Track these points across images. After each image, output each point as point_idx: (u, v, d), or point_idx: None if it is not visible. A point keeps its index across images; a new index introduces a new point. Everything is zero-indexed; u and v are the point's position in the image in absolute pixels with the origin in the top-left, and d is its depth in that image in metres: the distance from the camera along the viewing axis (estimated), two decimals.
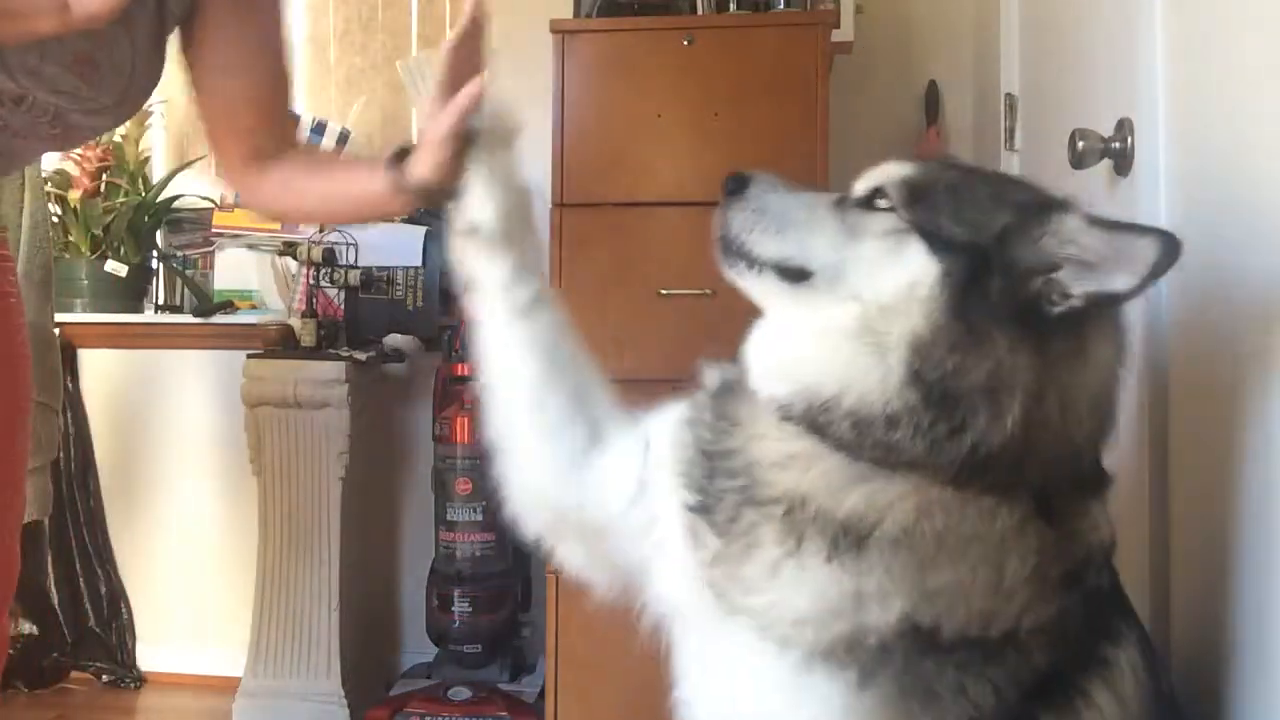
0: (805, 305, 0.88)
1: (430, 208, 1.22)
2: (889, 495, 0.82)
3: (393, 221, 2.91)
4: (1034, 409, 0.80)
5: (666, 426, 0.97)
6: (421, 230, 2.78)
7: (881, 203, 0.88)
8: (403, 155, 1.15)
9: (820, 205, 0.92)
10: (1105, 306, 0.83)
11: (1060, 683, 0.85)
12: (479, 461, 2.42)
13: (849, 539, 0.82)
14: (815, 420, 0.84)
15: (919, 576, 0.81)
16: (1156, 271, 0.80)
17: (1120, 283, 0.80)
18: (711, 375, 0.97)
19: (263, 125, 1.34)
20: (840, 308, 0.85)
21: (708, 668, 0.92)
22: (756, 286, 0.92)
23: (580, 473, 1.02)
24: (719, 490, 0.89)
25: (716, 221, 0.94)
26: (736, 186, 0.93)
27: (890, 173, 0.90)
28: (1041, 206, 0.84)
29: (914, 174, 0.89)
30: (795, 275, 0.89)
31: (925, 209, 0.85)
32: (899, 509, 0.82)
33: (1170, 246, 0.80)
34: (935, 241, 0.84)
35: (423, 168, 1.10)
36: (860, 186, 0.92)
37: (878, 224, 0.87)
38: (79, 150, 2.88)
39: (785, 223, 0.91)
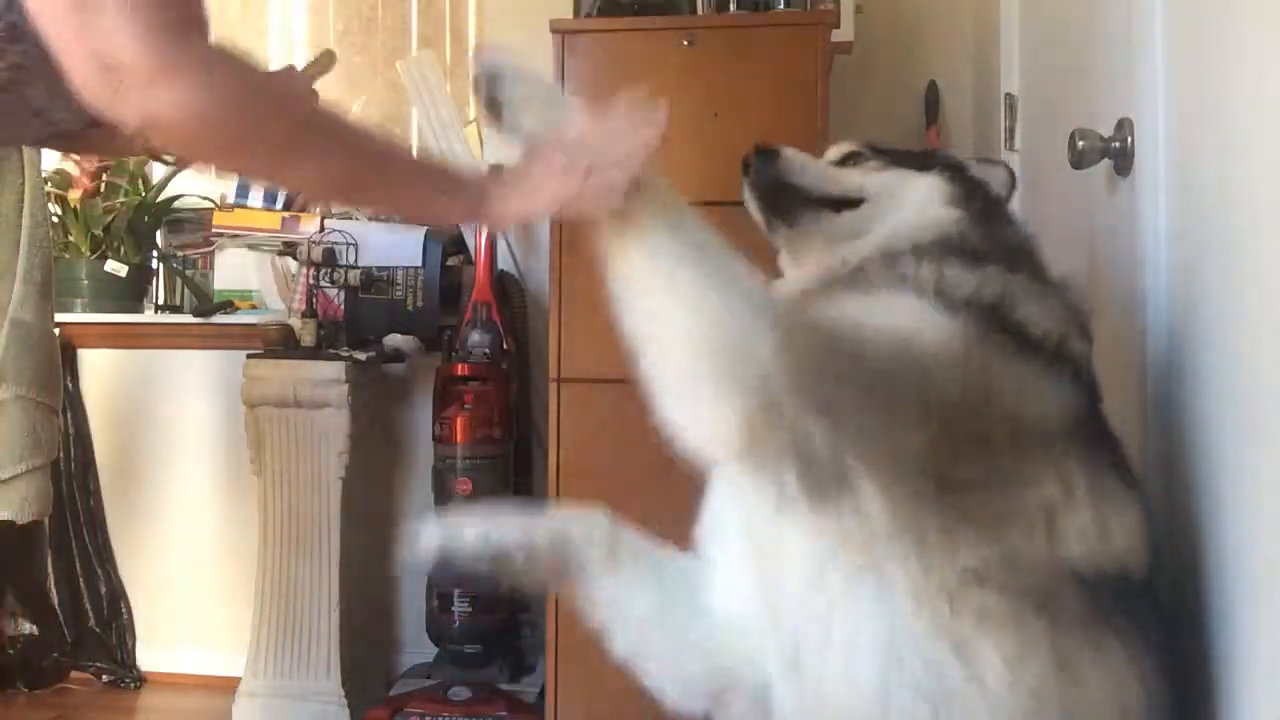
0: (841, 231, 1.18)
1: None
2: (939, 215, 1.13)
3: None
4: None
5: None
6: (422, 230, 2.78)
7: (855, 159, 1.23)
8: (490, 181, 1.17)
9: (823, 163, 1.25)
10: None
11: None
12: (479, 461, 2.43)
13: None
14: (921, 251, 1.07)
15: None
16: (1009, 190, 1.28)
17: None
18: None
19: None
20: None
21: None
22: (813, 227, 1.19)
23: None
24: None
25: (748, 189, 1.22)
26: (766, 152, 1.21)
27: (845, 145, 1.26)
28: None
29: (866, 141, 1.24)
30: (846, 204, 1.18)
31: (891, 155, 1.21)
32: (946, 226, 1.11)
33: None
34: (916, 168, 1.19)
35: (510, 213, 1.14)
36: (832, 154, 1.26)
37: (874, 165, 1.21)
38: None
39: (817, 169, 1.22)
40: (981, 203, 1.15)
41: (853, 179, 1.20)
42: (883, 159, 1.21)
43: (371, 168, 1.05)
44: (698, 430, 0.93)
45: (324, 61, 1.29)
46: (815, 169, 1.22)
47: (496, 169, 1.14)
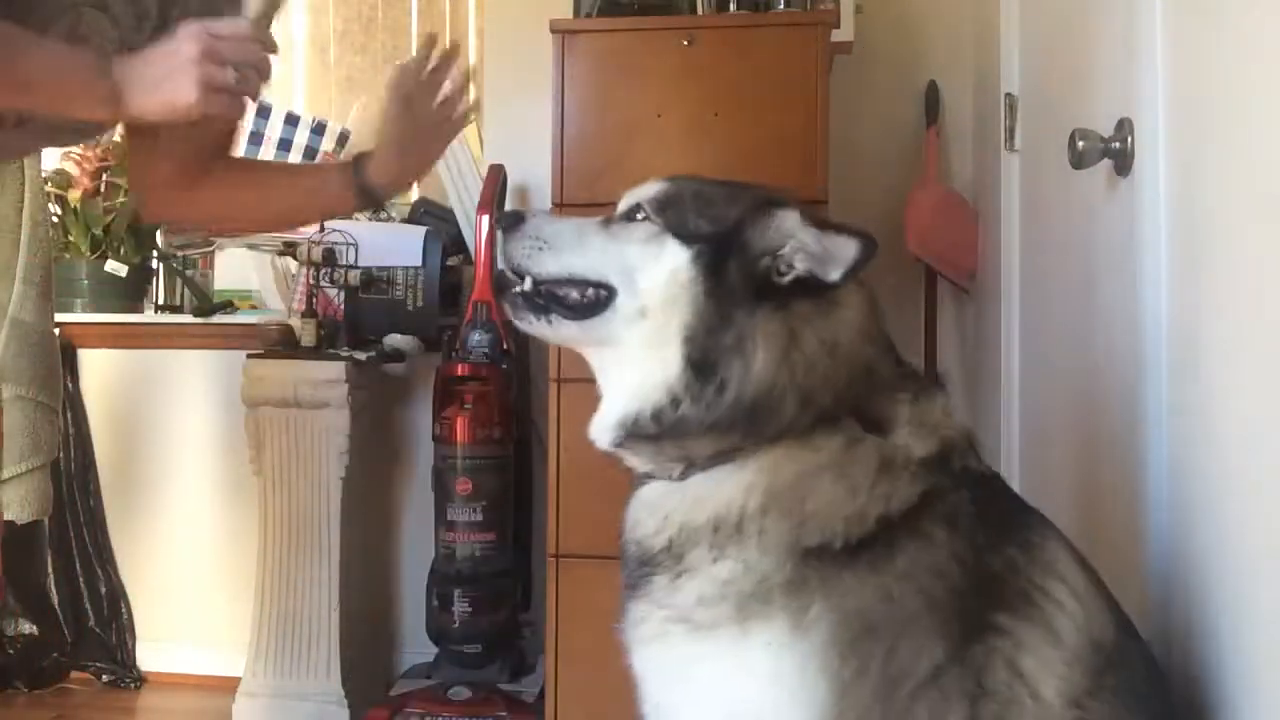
0: (596, 335, 1.02)
1: (373, 208, 1.28)
2: (733, 481, 0.95)
3: (389, 220, 2.92)
4: (791, 351, 0.95)
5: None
6: (421, 230, 2.78)
7: (639, 215, 1.02)
8: (359, 160, 1.23)
9: (589, 225, 1.06)
10: (815, 287, 0.97)
11: (1012, 588, 0.92)
12: (479, 461, 2.43)
13: (722, 534, 0.94)
14: (640, 433, 0.98)
15: (790, 519, 0.93)
16: (859, 268, 0.96)
17: (833, 274, 0.97)
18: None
19: (213, 141, 1.36)
20: (619, 322, 1.00)
21: (664, 685, 0.99)
22: (551, 332, 1.05)
23: None
24: (631, 576, 1.01)
25: (501, 258, 1.07)
26: (512, 222, 1.06)
27: (644, 191, 1.05)
28: (766, 203, 1.01)
29: (665, 189, 1.04)
30: (583, 309, 1.02)
31: (675, 213, 1.01)
32: (748, 485, 0.95)
33: (867, 248, 0.96)
34: (684, 236, 0.99)
35: (383, 174, 1.20)
36: (621, 206, 1.06)
37: (639, 232, 1.01)
38: (79, 150, 2.88)
39: (561, 243, 1.04)
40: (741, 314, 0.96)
41: (597, 256, 1.02)
42: (664, 217, 1.01)
43: None
44: None
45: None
46: (563, 242, 1.04)
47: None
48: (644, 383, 0.98)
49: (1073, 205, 1.58)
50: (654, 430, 0.97)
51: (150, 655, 2.94)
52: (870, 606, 0.90)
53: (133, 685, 2.89)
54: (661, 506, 0.99)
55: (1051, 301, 1.78)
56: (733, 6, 2.37)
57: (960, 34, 2.67)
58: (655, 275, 0.99)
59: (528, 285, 1.05)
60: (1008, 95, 2.04)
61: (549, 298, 1.04)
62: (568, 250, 1.03)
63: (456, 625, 2.44)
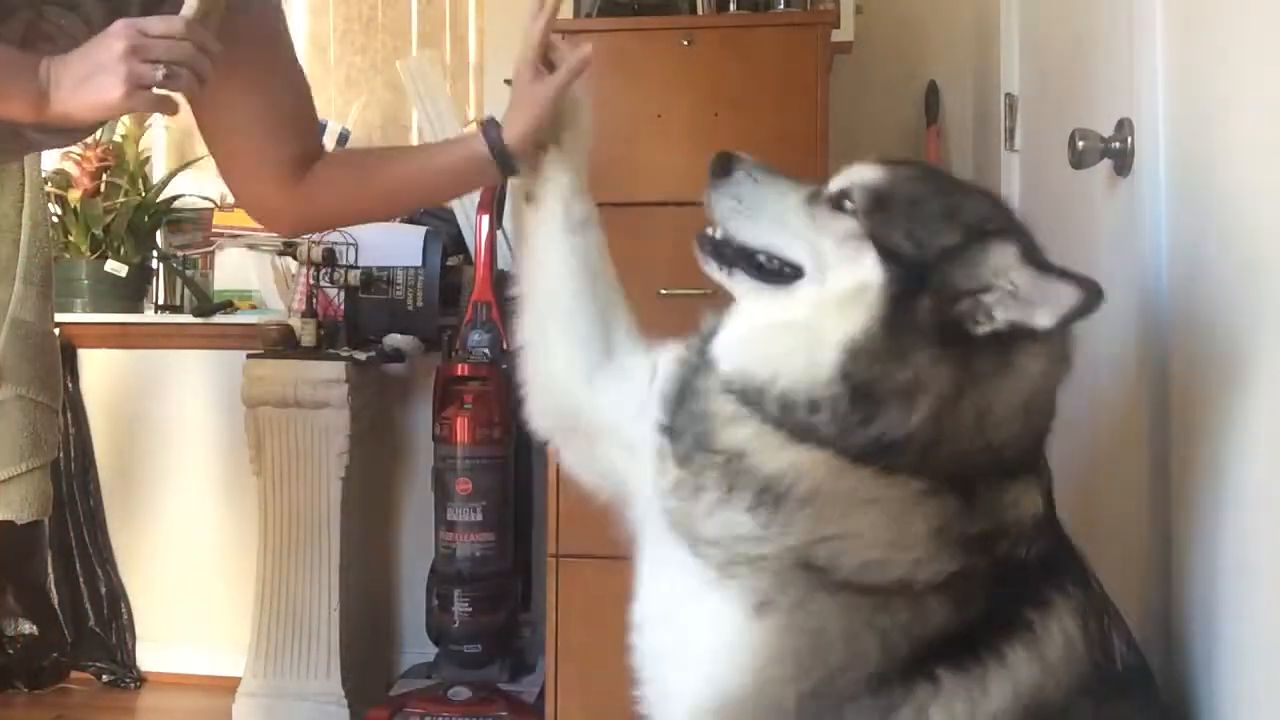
0: (769, 299, 0.99)
1: (510, 175, 1.28)
2: (806, 462, 0.92)
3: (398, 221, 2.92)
4: (947, 412, 0.90)
5: (669, 359, 1.09)
6: (422, 230, 2.78)
7: (847, 204, 0.97)
8: (488, 128, 1.25)
9: (792, 199, 1.02)
10: (1025, 337, 0.90)
11: (969, 643, 0.91)
12: (479, 461, 2.43)
13: (769, 495, 0.93)
14: (749, 397, 0.95)
15: (817, 525, 0.92)
16: (1075, 316, 0.88)
17: (1041, 320, 0.88)
18: (709, 321, 1.07)
19: (299, 139, 1.34)
20: (793, 301, 0.97)
21: (652, 575, 1.03)
22: (729, 284, 1.03)
23: (594, 380, 1.14)
24: (683, 424, 1.00)
25: (707, 202, 1.04)
26: (720, 170, 1.04)
27: (858, 176, 0.99)
28: (985, 233, 0.93)
29: (880, 180, 0.98)
30: (768, 275, 1.00)
31: (883, 219, 0.94)
32: (812, 473, 0.92)
33: (1092, 296, 0.87)
34: (886, 251, 0.93)
35: (518, 133, 1.22)
36: (833, 186, 1.00)
37: (841, 226, 0.96)
38: (79, 150, 2.88)
39: (760, 212, 1.01)
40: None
41: (794, 240, 0.98)
42: (871, 220, 0.94)
43: None
44: None
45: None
46: (765, 214, 1.01)
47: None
48: (788, 361, 0.94)
49: (1073, 205, 1.58)
50: (774, 413, 0.93)
51: (150, 655, 2.94)
52: (829, 633, 0.91)
53: (133, 685, 2.89)
54: (748, 424, 0.95)
55: None
56: (733, 6, 2.37)
57: (960, 34, 2.67)
58: (845, 280, 0.93)
59: (719, 234, 1.04)
60: (1008, 95, 2.04)
61: (739, 252, 1.01)
62: (766, 222, 1.00)
63: (456, 625, 2.44)
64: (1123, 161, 1.28)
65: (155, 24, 1.06)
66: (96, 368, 2.97)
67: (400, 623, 2.90)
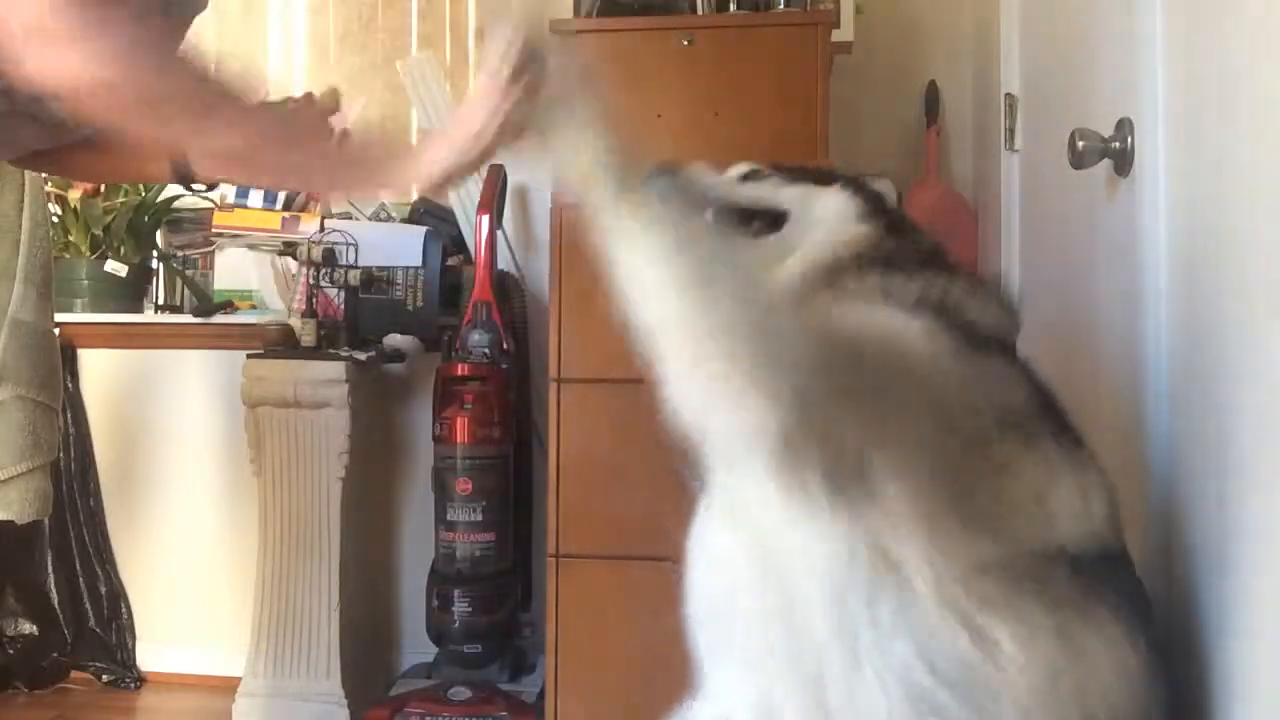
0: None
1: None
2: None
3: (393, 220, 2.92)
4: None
5: None
6: (421, 230, 2.78)
7: (757, 176, 1.24)
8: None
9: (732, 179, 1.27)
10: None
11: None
12: (479, 461, 2.43)
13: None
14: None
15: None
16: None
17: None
18: None
19: None
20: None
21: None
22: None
23: None
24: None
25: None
26: (669, 167, 1.12)
27: (741, 167, 1.27)
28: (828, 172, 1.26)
29: (762, 163, 1.26)
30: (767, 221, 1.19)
31: (791, 174, 1.24)
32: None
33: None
34: (818, 181, 1.22)
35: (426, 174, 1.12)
36: (734, 173, 1.26)
37: (777, 181, 1.23)
38: None
39: (726, 182, 1.25)
40: (889, 215, 1.19)
41: (768, 193, 1.23)
42: (783, 175, 1.24)
43: (278, 140, 1.08)
44: (728, 431, 0.93)
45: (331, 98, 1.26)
46: (725, 184, 1.25)
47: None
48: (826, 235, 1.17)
49: (1073, 205, 1.58)
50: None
51: (150, 655, 2.94)
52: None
53: (133, 685, 2.89)
54: None
55: (1051, 302, 1.78)
56: (733, 6, 2.37)
57: (960, 34, 2.67)
58: (830, 203, 1.20)
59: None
60: (1008, 95, 2.04)
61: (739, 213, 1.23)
62: (738, 187, 1.28)
63: (456, 625, 2.44)
64: (1123, 161, 1.28)
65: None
66: (96, 368, 2.97)
67: (400, 623, 2.90)
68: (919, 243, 1.16)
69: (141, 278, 3.02)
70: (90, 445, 2.95)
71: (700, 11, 2.36)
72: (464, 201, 2.79)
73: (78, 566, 2.90)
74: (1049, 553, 0.94)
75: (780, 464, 0.91)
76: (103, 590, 2.92)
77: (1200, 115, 1.11)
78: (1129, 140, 1.26)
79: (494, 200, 2.59)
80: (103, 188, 2.94)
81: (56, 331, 1.44)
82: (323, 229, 2.75)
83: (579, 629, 2.19)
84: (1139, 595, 1.01)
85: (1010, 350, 1.08)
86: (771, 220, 1.20)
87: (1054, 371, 1.54)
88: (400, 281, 2.71)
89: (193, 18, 1.39)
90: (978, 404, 0.97)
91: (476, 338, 2.52)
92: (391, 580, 2.90)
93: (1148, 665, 0.95)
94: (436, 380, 2.52)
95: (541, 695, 2.36)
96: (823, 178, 1.23)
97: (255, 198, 2.90)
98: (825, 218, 1.18)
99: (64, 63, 0.91)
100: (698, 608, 1.02)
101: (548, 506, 2.23)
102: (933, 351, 0.98)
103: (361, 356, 2.57)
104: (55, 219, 2.82)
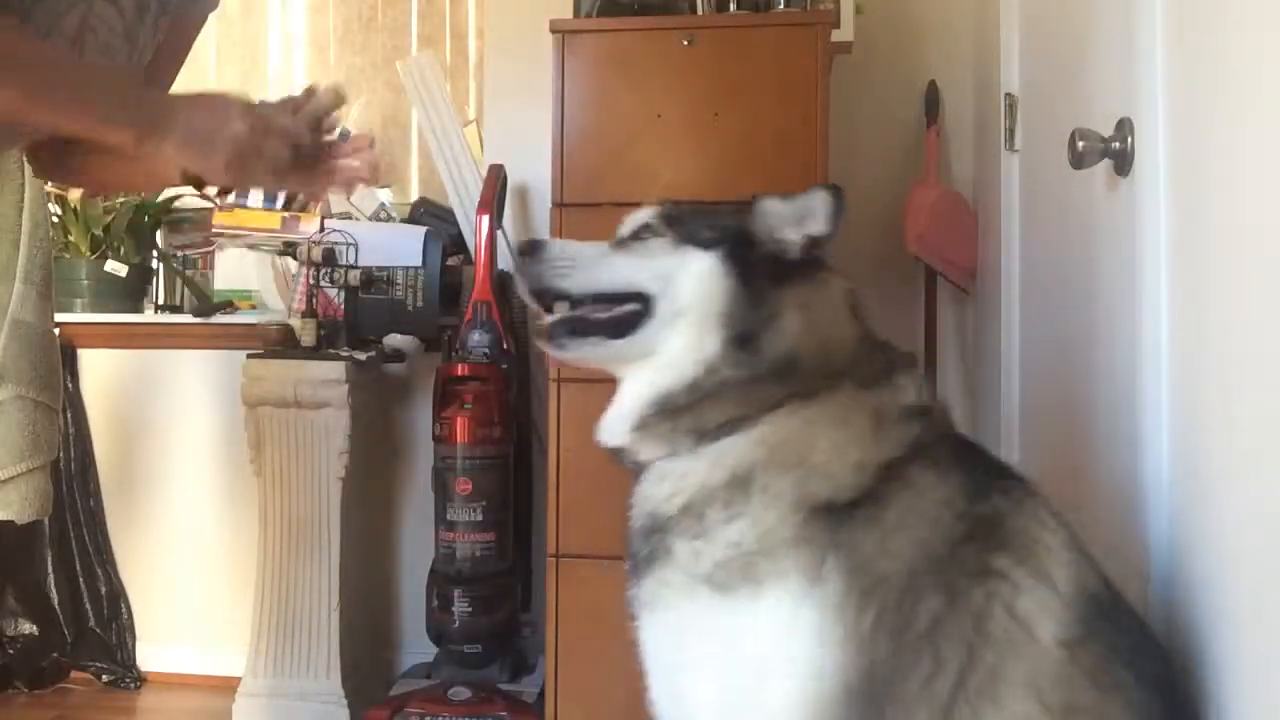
0: (645, 344, 1.09)
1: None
2: (747, 439, 1.03)
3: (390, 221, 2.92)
4: (810, 313, 1.08)
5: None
6: (421, 230, 2.78)
7: (645, 234, 1.13)
8: None
9: (604, 247, 1.15)
10: (818, 245, 1.11)
11: (997, 520, 0.98)
12: (479, 461, 2.43)
13: (735, 489, 1.01)
14: (665, 411, 1.06)
15: (797, 471, 1.00)
16: (837, 214, 1.10)
17: (819, 226, 1.10)
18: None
19: None
20: (670, 328, 1.08)
21: (678, 646, 1.02)
22: (596, 354, 1.11)
23: None
24: (634, 549, 1.07)
25: (521, 283, 1.13)
26: (534, 248, 1.13)
27: (645, 214, 1.15)
28: (749, 201, 1.14)
29: (664, 210, 1.15)
30: (622, 326, 1.09)
31: (683, 228, 1.12)
32: (757, 440, 1.02)
33: (836, 194, 1.11)
34: (700, 243, 1.10)
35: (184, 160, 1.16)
36: (626, 229, 1.15)
37: (656, 245, 1.12)
38: None
39: (588, 263, 1.13)
40: (766, 293, 1.07)
41: (626, 270, 1.11)
42: (675, 231, 1.12)
43: (57, 88, 1.09)
44: None
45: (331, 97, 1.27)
46: (588, 261, 1.13)
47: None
48: (681, 366, 1.06)
49: (1073, 205, 1.58)
50: (685, 401, 1.05)
51: (150, 655, 2.94)
52: (875, 558, 0.95)
53: (133, 685, 2.89)
54: (675, 473, 1.05)
55: (1051, 301, 1.78)
56: (733, 6, 2.37)
57: (960, 34, 2.67)
58: (688, 279, 1.08)
59: (565, 310, 1.12)
60: (1008, 95, 2.04)
61: (585, 323, 1.11)
62: (597, 269, 1.12)
63: (456, 625, 2.44)
64: (1123, 161, 1.28)
65: (280, 119, 1.14)
66: (96, 368, 2.97)
67: (400, 623, 2.90)
68: (798, 347, 1.05)
69: (141, 278, 3.02)
70: (90, 445, 2.95)
71: (700, 11, 2.36)
72: (464, 201, 2.79)
73: (78, 566, 2.90)
74: (1044, 647, 0.94)
75: None
76: (103, 590, 2.92)
77: (1200, 115, 1.11)
78: (1129, 140, 1.26)
79: (494, 200, 2.59)
80: None
81: (56, 331, 1.44)
82: (323, 229, 2.75)
83: (579, 629, 2.19)
84: (1140, 638, 1.01)
85: (934, 445, 1.04)
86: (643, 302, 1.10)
87: (1053, 371, 1.54)
88: (400, 281, 2.71)
89: (205, 16, 1.40)
90: (917, 543, 0.97)
91: (476, 338, 2.52)
92: (391, 580, 2.90)
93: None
94: (436, 380, 2.52)
95: (541, 695, 2.36)
96: (716, 228, 1.11)
97: (255, 198, 2.90)
98: (688, 303, 1.08)
99: None
100: None
101: (548, 506, 2.23)
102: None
103: (361, 356, 2.57)
104: (55, 219, 2.83)
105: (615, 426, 1.09)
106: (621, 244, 1.14)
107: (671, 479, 1.05)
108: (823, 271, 1.12)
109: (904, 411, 1.05)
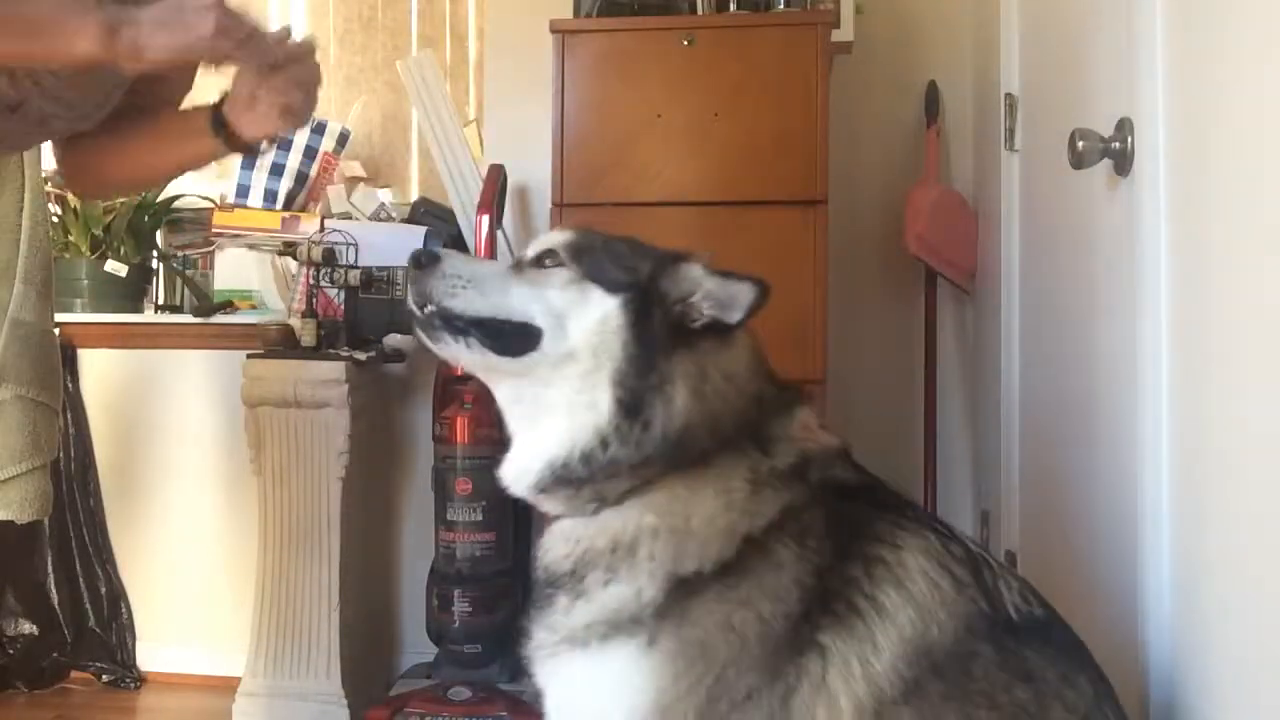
0: (521, 367, 1.05)
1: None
2: (637, 507, 1.01)
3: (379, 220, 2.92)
4: (703, 385, 1.03)
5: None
6: (421, 230, 2.78)
7: (549, 261, 1.07)
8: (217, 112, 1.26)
9: (504, 268, 1.10)
10: (729, 330, 1.06)
11: (840, 597, 0.97)
12: (479, 461, 2.43)
13: (618, 555, 1.01)
14: (565, 480, 1.03)
15: (675, 538, 1.00)
16: (755, 308, 1.05)
17: (734, 316, 1.05)
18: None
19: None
20: (558, 368, 1.04)
21: (555, 696, 1.07)
22: (468, 356, 1.06)
23: None
24: (538, 599, 1.10)
25: (411, 293, 1.07)
26: (430, 260, 1.07)
27: (555, 238, 1.10)
28: (674, 257, 1.09)
29: (575, 238, 1.09)
30: (506, 344, 1.05)
31: (590, 262, 1.06)
32: (644, 505, 1.01)
33: (762, 291, 1.04)
34: (606, 284, 1.05)
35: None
36: (531, 251, 1.10)
37: (557, 277, 1.06)
38: None
39: (484, 284, 1.06)
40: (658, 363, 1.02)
41: (519, 299, 1.06)
42: (580, 265, 1.06)
43: None
44: None
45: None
46: (483, 282, 1.06)
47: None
48: (571, 427, 1.03)
49: (1073, 205, 1.58)
50: (582, 474, 1.02)
51: (150, 655, 2.94)
52: (709, 634, 0.96)
53: (133, 685, 2.89)
54: (572, 535, 1.05)
55: (1051, 301, 1.78)
56: (733, 6, 2.37)
57: (960, 34, 2.67)
58: (584, 321, 1.04)
59: (437, 308, 1.06)
60: (1008, 95, 2.04)
61: (470, 322, 1.05)
62: (492, 291, 1.06)
63: (456, 625, 2.44)
64: (1123, 161, 1.28)
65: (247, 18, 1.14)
66: (96, 368, 2.97)
67: (400, 623, 2.90)
68: (694, 428, 1.02)
69: (141, 278, 3.02)
70: (90, 445, 2.95)
71: (700, 11, 2.36)
72: (464, 201, 2.79)
73: (78, 566, 2.90)
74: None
75: None
76: (103, 590, 2.92)
77: (1200, 115, 1.11)
78: (1129, 140, 1.26)
79: (494, 200, 2.59)
80: None
81: (56, 331, 1.44)
82: (323, 229, 2.75)
83: None
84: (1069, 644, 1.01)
85: (804, 523, 1.02)
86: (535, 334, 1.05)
87: (1053, 371, 1.54)
88: (400, 281, 2.71)
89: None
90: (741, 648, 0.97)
91: None
92: (391, 580, 2.90)
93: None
94: (436, 380, 2.52)
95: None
96: (610, 281, 1.05)
97: (255, 197, 2.90)
98: (575, 352, 1.03)
99: None
100: None
101: None
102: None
103: (361, 356, 2.57)
104: (55, 219, 2.83)
105: (519, 481, 1.07)
106: (521, 267, 1.09)
107: (569, 541, 1.05)
108: (731, 331, 1.07)
109: (784, 474, 1.03)
